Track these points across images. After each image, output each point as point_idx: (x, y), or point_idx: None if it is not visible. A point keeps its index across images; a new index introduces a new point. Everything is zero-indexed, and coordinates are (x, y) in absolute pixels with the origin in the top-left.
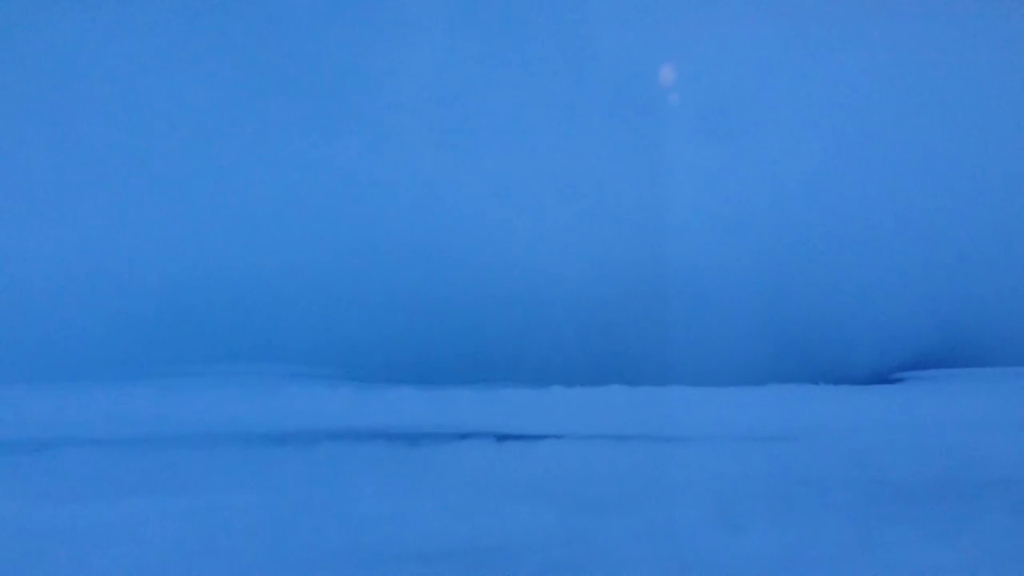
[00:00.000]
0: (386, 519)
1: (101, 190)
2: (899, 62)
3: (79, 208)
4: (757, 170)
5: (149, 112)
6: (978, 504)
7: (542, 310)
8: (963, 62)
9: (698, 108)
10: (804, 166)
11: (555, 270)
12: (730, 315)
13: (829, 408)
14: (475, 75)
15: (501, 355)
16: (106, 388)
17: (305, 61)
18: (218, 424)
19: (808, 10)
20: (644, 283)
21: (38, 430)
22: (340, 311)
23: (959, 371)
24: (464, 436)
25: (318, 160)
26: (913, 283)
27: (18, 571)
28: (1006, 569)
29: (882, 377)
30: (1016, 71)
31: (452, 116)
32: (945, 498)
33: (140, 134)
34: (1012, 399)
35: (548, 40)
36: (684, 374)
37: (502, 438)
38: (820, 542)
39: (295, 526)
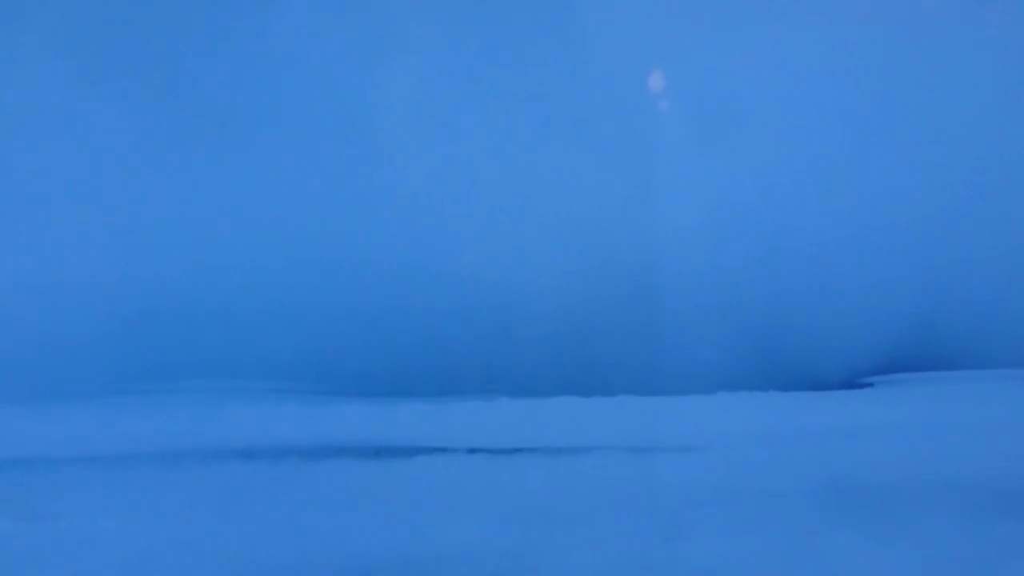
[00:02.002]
0: (331, 534)
1: (58, 208)
2: (888, 69)
3: (35, 228)
4: (731, 177)
5: (104, 127)
6: (927, 508)
7: (514, 320)
8: (951, 69)
9: (681, 115)
10: (777, 173)
11: (527, 279)
12: (704, 323)
13: (786, 414)
14: (449, 81)
15: (473, 367)
16: (61, 407)
17: (277, 75)
18: (180, 441)
19: (801, 13)
20: (616, 292)
21: None
22: (307, 324)
23: (930, 375)
24: (434, 450)
25: (281, 172)
26: (886, 287)
27: None
28: (946, 571)
29: (851, 382)
30: (1006, 76)
31: (421, 123)
32: (895, 502)
33: (96, 149)
34: (978, 403)
35: (528, 42)
36: (655, 383)
37: (473, 451)
38: (760, 548)
39: (236, 541)
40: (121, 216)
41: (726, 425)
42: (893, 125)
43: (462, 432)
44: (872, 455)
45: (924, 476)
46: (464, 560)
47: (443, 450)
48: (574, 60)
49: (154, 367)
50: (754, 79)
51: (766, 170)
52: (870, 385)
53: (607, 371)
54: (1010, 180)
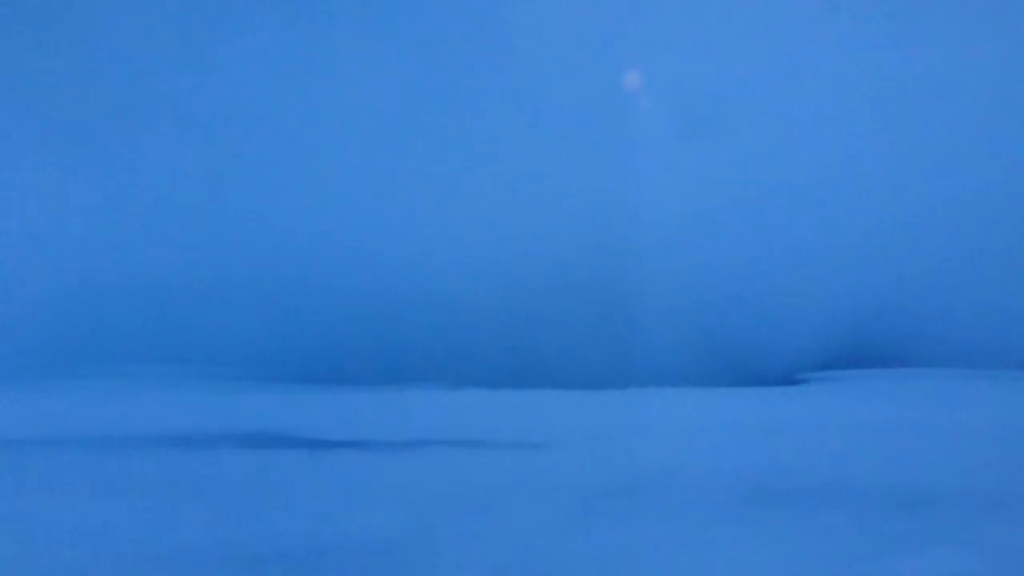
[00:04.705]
0: (227, 523)
1: None
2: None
3: None
4: (678, 176)
5: (37, 106)
6: (826, 504)
7: (458, 310)
8: (930, 68)
9: (643, 111)
10: (725, 173)
11: (473, 269)
12: (648, 318)
13: (710, 409)
14: (400, 60)
15: (418, 356)
16: None
17: (230, 63)
18: (106, 426)
19: (783, 6)
20: (556, 285)
21: None
22: (244, 311)
23: (864, 372)
24: (355, 442)
25: (220, 155)
26: (828, 285)
27: None
28: (822, 564)
29: (788, 378)
30: (989, 78)
31: (366, 107)
32: (796, 498)
33: (28, 130)
34: (902, 401)
35: (495, 29)
36: (592, 377)
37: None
38: (654, 540)
39: (128, 530)
40: (49, 201)
41: (648, 420)
42: (846, 126)
43: (377, 423)
44: (785, 451)
45: (830, 473)
46: (354, 550)
47: (363, 441)
48: (544, 50)
49: (87, 352)
50: (721, 78)
51: (714, 169)
52: (805, 382)
53: (546, 364)
54: (954, 185)
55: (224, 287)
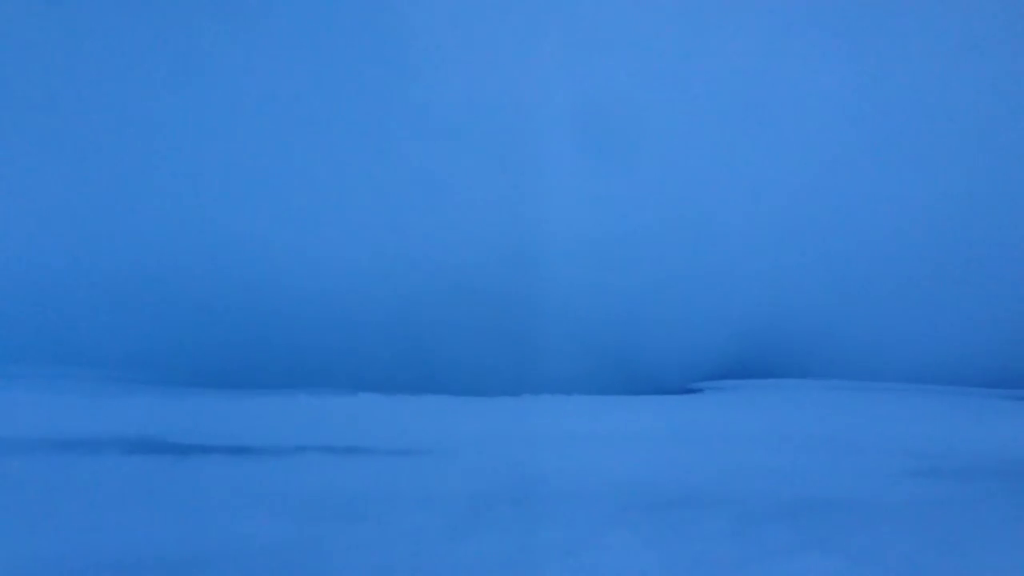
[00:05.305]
0: (106, 529)
1: None
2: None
3: None
4: (578, 182)
5: None
6: (703, 512)
7: (344, 313)
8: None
9: (557, 122)
10: (627, 177)
11: (364, 272)
12: (542, 324)
13: (590, 417)
14: (301, 64)
15: (297, 359)
16: None
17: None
18: None
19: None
20: (455, 290)
21: None
22: (143, 313)
23: (757, 382)
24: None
25: (100, 151)
26: (722, 294)
27: None
28: (700, 569)
29: (681, 387)
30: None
31: (264, 105)
32: (674, 506)
33: None
34: (790, 412)
35: (387, 30)
36: (481, 383)
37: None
38: (539, 546)
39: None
40: None
41: (541, 427)
42: (744, 145)
43: (265, 428)
44: (673, 459)
45: (714, 481)
46: (238, 556)
47: (250, 447)
48: (450, 53)
49: None
50: (628, 95)
51: (615, 182)
52: (698, 391)
53: (439, 370)
54: (843, 203)
55: (107, 285)
